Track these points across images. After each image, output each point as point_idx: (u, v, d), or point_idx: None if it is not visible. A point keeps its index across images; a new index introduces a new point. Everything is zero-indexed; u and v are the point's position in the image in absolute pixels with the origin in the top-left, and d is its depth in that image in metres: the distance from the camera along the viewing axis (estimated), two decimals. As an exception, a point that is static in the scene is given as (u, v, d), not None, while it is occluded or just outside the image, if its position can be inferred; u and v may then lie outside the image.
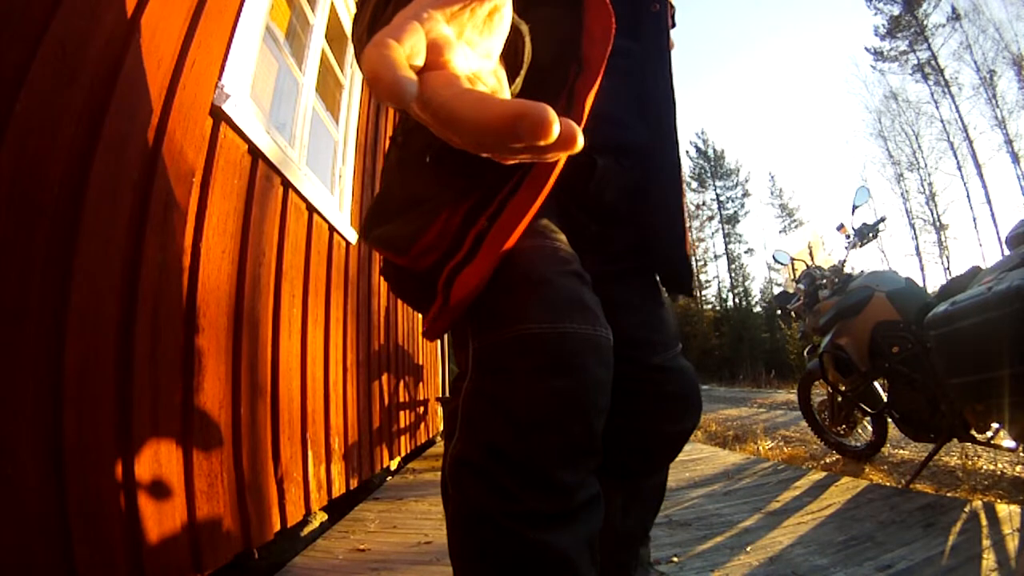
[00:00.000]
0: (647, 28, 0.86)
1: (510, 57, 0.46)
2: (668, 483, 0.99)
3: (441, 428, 4.63)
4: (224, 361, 1.41)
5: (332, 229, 2.30)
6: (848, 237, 3.35)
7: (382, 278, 0.77)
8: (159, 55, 1.19)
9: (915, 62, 23.37)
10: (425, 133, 0.62)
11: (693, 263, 1.21)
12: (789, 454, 3.54)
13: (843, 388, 3.02)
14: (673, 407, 0.86)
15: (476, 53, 0.34)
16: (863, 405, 2.95)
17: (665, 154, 0.84)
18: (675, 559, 1.58)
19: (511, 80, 0.46)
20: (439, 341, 4.82)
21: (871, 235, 3.30)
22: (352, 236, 2.51)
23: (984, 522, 1.74)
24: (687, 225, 0.91)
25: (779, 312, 3.97)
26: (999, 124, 21.24)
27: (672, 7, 0.92)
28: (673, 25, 0.92)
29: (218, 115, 1.38)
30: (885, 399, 2.82)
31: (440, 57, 0.30)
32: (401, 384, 3.46)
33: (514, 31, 0.45)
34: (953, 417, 2.31)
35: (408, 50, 0.27)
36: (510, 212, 0.61)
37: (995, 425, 2.19)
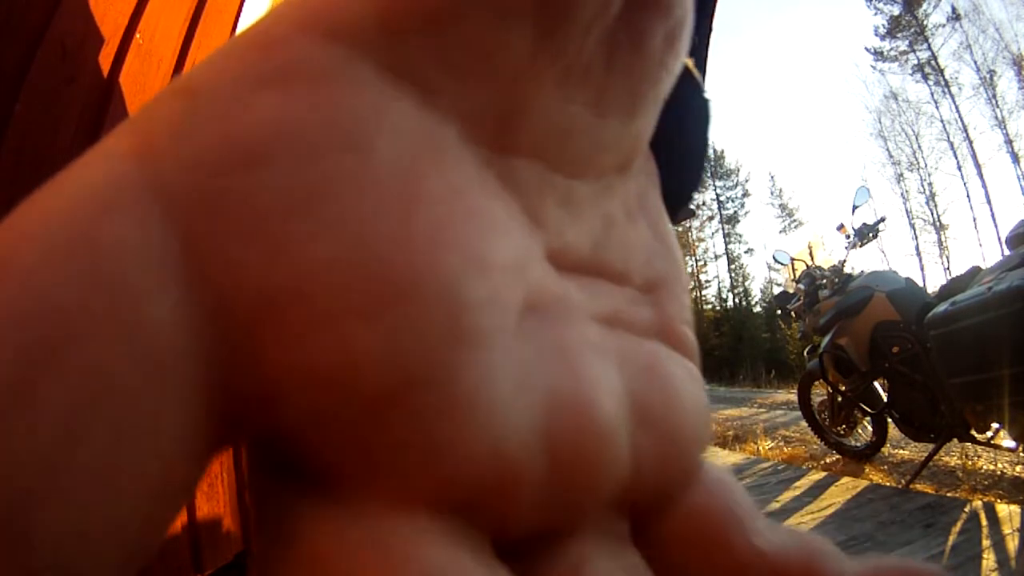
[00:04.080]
0: None
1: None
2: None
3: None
4: (224, 361, 1.41)
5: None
6: (848, 237, 3.35)
7: None
8: (159, 55, 1.19)
9: (915, 62, 23.38)
10: None
11: None
12: (789, 454, 3.54)
13: (843, 388, 3.02)
14: None
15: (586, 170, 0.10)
16: (863, 405, 2.95)
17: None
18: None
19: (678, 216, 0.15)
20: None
21: (871, 235, 3.31)
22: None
23: (984, 522, 1.74)
24: None
25: (779, 312, 3.97)
26: (999, 124, 21.25)
27: (714, 12, 0.80)
28: (710, 32, 0.84)
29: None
30: (885, 399, 2.82)
31: None
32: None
33: (683, 87, 0.14)
34: (953, 417, 2.31)
35: None
36: None
37: (995, 425, 2.19)
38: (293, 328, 0.06)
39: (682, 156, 0.16)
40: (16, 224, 0.06)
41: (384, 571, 0.06)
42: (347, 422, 0.07)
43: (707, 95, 0.18)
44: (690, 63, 0.16)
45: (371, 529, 0.07)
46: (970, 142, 22.06)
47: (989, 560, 1.44)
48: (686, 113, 0.15)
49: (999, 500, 2.11)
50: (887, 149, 24.88)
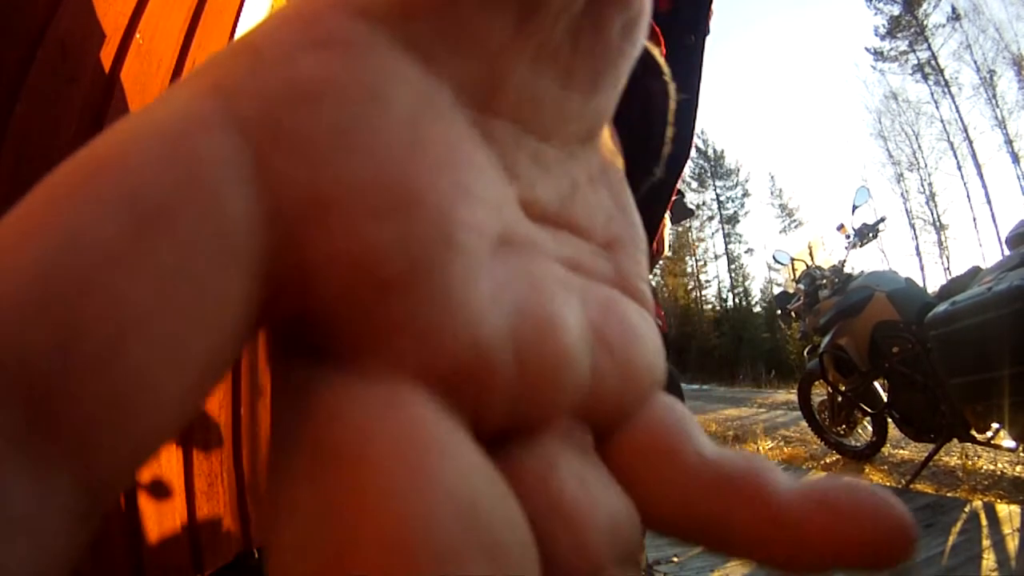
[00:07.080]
0: (675, 66, 0.63)
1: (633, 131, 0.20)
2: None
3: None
4: (224, 361, 1.41)
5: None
6: (848, 237, 3.36)
7: None
8: (159, 55, 1.19)
9: (915, 62, 23.38)
10: None
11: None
12: (789, 454, 3.54)
13: (843, 388, 3.03)
14: None
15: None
16: (863, 405, 2.95)
17: (662, 199, 0.65)
18: (675, 559, 1.58)
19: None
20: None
21: (871, 235, 3.31)
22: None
23: (984, 522, 1.74)
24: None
25: (779, 312, 3.98)
26: (999, 124, 21.24)
27: (711, 11, 0.75)
28: (707, 32, 0.77)
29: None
30: (885, 399, 2.82)
31: None
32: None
33: (647, 73, 0.19)
34: (953, 417, 2.31)
35: None
36: None
37: (995, 425, 2.19)
38: (329, 225, 0.08)
39: (644, 132, 0.20)
40: (114, 137, 0.08)
41: (388, 417, 0.08)
42: (362, 301, 0.08)
43: (667, 79, 0.21)
44: (654, 50, 0.20)
45: (376, 390, 0.08)
46: (970, 142, 22.06)
47: (989, 560, 1.44)
48: (648, 95, 0.19)
49: (999, 500, 2.11)
50: (887, 149, 24.88)
